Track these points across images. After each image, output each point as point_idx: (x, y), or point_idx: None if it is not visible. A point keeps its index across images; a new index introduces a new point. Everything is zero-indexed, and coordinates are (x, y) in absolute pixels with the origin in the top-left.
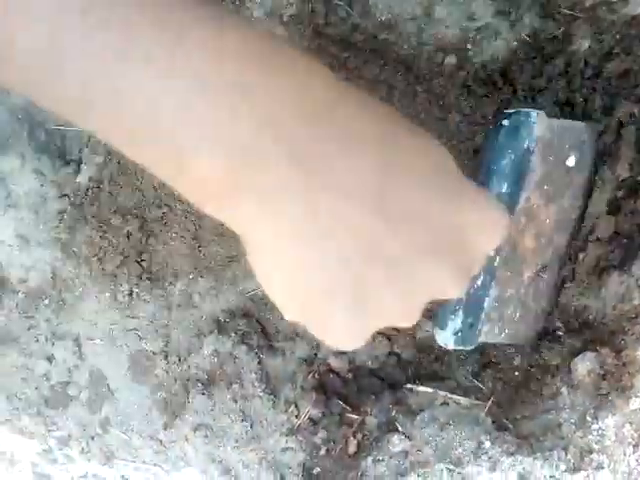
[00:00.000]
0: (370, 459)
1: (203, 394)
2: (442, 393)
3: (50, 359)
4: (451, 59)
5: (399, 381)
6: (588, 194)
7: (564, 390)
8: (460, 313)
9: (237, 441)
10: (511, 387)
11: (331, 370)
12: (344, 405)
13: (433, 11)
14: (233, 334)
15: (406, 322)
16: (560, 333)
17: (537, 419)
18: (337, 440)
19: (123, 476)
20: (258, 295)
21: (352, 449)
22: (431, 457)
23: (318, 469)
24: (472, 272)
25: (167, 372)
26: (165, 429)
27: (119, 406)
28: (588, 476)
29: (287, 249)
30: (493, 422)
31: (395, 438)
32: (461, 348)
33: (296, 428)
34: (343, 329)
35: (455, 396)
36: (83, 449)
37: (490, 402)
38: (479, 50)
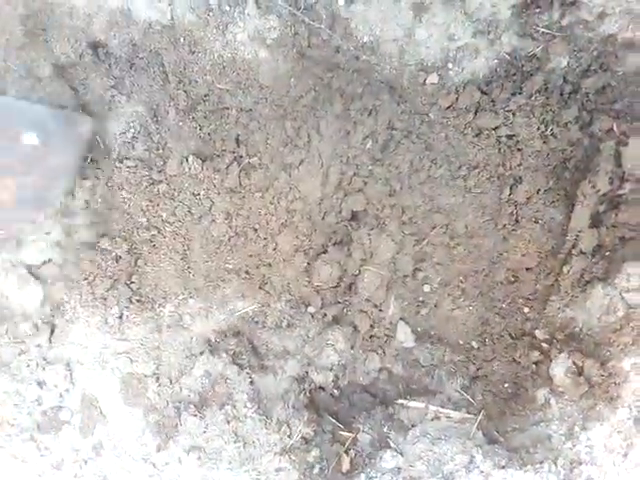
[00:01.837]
0: (363, 476)
1: (195, 416)
2: (433, 408)
3: (41, 384)
4: (433, 78)
5: (390, 397)
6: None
7: (553, 401)
8: None
9: (230, 462)
10: (501, 400)
11: (322, 387)
12: (336, 423)
13: (414, 32)
14: (224, 354)
15: None
16: (545, 345)
17: (527, 431)
18: (330, 458)
19: None
20: (248, 314)
21: (345, 467)
22: (424, 472)
23: None
24: None
25: (159, 394)
26: (158, 451)
27: (112, 429)
28: None
29: None
30: (484, 435)
31: (388, 454)
32: None
33: (289, 448)
34: None
35: (446, 410)
36: (76, 474)
37: (481, 416)
38: (460, 69)
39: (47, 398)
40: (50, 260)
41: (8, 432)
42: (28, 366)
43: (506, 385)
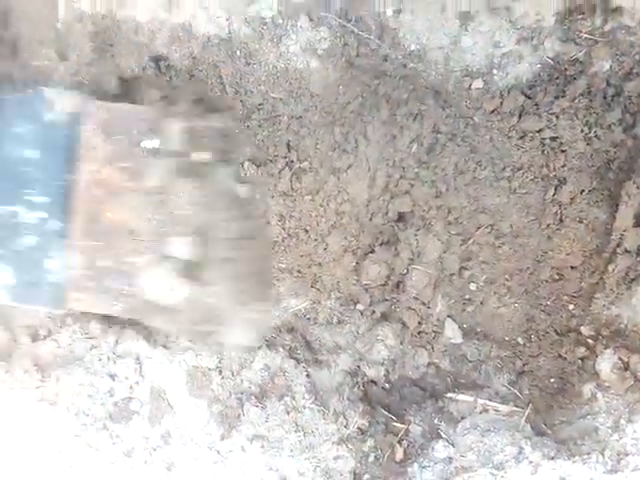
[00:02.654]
0: (417, 465)
1: (257, 406)
2: (481, 401)
3: (113, 377)
4: (478, 83)
5: (439, 390)
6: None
7: (599, 395)
8: (6, 268)
9: (292, 450)
10: (548, 394)
11: (373, 381)
12: (389, 415)
13: (460, 40)
14: (281, 349)
15: None
16: (590, 341)
17: (574, 424)
18: (384, 448)
19: None
20: (301, 311)
21: (399, 456)
22: (475, 462)
23: (368, 476)
24: None
25: (222, 386)
26: (222, 440)
27: (178, 419)
28: (626, 477)
29: None
30: (532, 428)
31: (440, 445)
32: (29, 306)
33: (346, 437)
34: None
35: (494, 403)
36: (146, 461)
37: (529, 409)
38: (504, 74)
39: (118, 390)
40: None
41: (84, 422)
42: (100, 360)
43: (552, 380)
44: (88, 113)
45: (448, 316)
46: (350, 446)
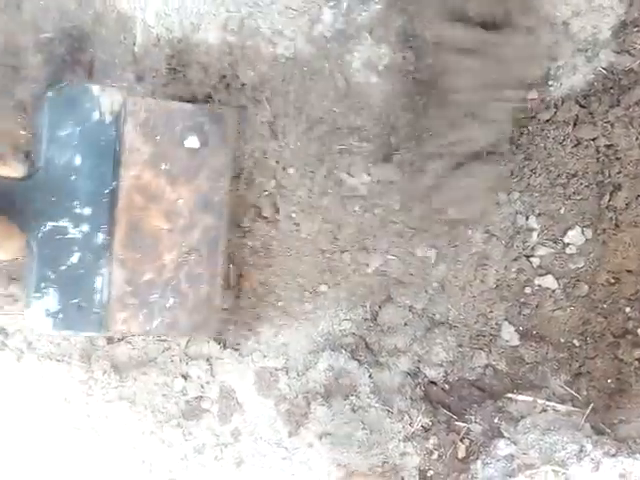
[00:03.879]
0: (479, 462)
1: (323, 405)
2: (541, 401)
3: (185, 377)
4: (533, 94)
5: (498, 391)
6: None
7: None
8: (52, 292)
9: (360, 447)
10: (605, 394)
11: (433, 382)
12: (450, 414)
13: None
14: (343, 351)
15: None
16: None
17: (633, 423)
18: (447, 445)
19: None
20: (360, 315)
21: (461, 454)
22: (537, 460)
23: (432, 472)
24: None
25: (289, 386)
26: (290, 437)
27: (247, 417)
28: None
29: None
30: (591, 427)
31: (501, 443)
32: (74, 333)
33: (410, 435)
34: None
35: (552, 403)
36: (217, 457)
37: (589, 410)
38: (558, 84)
39: (190, 389)
40: None
41: (159, 419)
42: (172, 361)
43: (609, 381)
44: (129, 112)
45: (505, 319)
46: (415, 444)
